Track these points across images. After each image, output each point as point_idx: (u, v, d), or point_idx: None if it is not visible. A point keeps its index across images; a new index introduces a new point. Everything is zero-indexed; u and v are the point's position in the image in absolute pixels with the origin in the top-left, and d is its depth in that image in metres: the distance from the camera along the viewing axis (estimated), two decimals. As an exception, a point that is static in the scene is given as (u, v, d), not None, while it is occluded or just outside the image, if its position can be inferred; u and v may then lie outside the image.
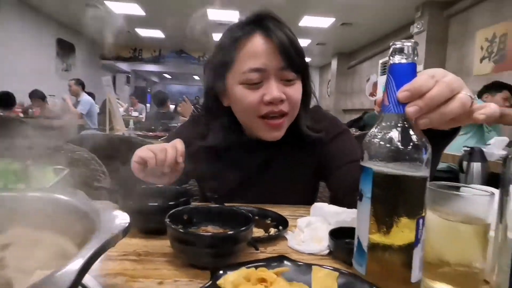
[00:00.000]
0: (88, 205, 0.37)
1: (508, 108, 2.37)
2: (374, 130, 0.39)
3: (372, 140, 0.39)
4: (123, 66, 10.45)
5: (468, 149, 2.01)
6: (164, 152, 0.66)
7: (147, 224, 0.57)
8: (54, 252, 0.36)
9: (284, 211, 0.69)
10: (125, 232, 0.31)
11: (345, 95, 8.42)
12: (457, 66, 4.36)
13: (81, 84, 4.70)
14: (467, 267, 0.40)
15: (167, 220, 0.48)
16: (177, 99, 6.28)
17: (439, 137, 0.48)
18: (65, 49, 7.12)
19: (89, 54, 8.03)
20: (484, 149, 2.00)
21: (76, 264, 0.25)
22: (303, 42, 7.52)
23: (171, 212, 0.51)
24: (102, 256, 0.42)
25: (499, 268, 0.29)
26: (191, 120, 1.02)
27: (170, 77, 15.16)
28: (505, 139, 2.11)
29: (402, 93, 0.37)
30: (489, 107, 0.41)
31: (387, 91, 0.39)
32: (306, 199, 0.85)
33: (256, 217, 0.64)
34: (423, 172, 0.37)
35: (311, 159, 0.85)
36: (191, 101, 3.68)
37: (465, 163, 1.98)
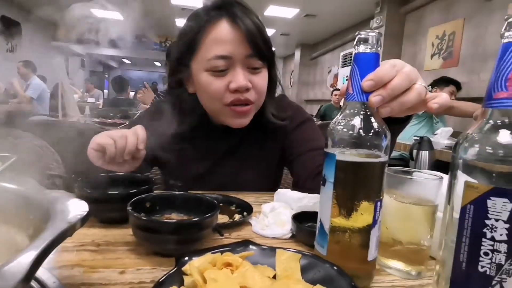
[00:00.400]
0: (41, 194, 0.35)
1: (456, 101, 2.58)
2: (338, 117, 0.41)
3: (336, 127, 0.40)
4: (77, 48, 9.72)
5: (418, 138, 2.17)
6: (124, 139, 0.63)
7: (107, 213, 0.55)
8: (4, 244, 0.33)
9: (248, 197, 0.70)
10: (83, 221, 0.30)
11: (307, 85, 8.60)
12: (410, 61, 4.59)
13: (31, 66, 4.30)
14: (416, 245, 0.43)
15: (129, 208, 0.46)
16: (137, 86, 6.00)
17: (395, 124, 0.51)
18: (9, 27, 6.44)
19: (37, 34, 7.35)
20: (431, 139, 2.17)
21: (28, 256, 0.23)
22: (268, 32, 7.47)
23: (133, 200, 0.49)
24: (57, 248, 0.40)
25: (445, 245, 0.32)
26: (153, 106, 0.98)
27: (129, 62, 14.42)
28: (449, 129, 2.31)
29: (366, 82, 0.38)
30: (441, 97, 0.45)
31: (351, 79, 0.40)
32: (270, 185, 0.87)
33: (221, 204, 0.64)
34: (383, 157, 0.39)
35: (276, 146, 0.86)
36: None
37: (415, 152, 2.13)
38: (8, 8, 6.29)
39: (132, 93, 4.80)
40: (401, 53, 4.87)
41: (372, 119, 0.39)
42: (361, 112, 0.39)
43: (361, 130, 0.38)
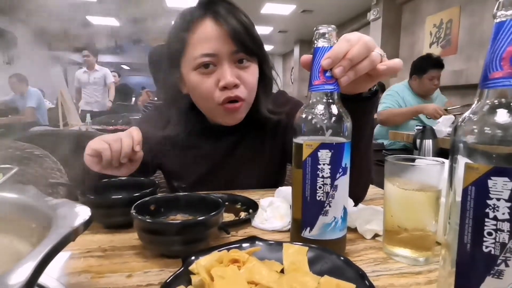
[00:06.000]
0: (42, 201, 0.35)
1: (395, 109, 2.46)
2: (304, 107, 0.44)
3: (303, 116, 0.43)
4: (76, 57, 9.75)
5: (421, 127, 2.15)
6: (119, 142, 0.63)
7: (111, 218, 0.55)
8: (8, 255, 0.33)
9: (253, 195, 0.70)
10: (86, 225, 0.29)
11: (307, 81, 8.57)
12: (409, 51, 4.60)
13: (24, 78, 4.30)
14: (422, 231, 0.43)
15: (133, 211, 0.46)
16: (137, 92, 6.03)
17: (364, 101, 0.56)
18: (4, 39, 6.45)
19: (34, 45, 7.35)
20: (434, 127, 2.15)
21: (30, 263, 0.22)
22: (265, 30, 7.48)
23: (137, 203, 0.49)
24: (64, 256, 0.40)
25: (450, 228, 0.32)
26: (154, 110, 0.98)
27: (128, 68, 14.44)
28: (451, 117, 2.28)
29: (324, 61, 0.42)
30: (393, 61, 0.47)
31: (312, 71, 0.43)
32: (274, 182, 0.87)
33: (226, 203, 0.64)
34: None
35: (277, 142, 0.86)
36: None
37: (418, 141, 2.12)
38: (0, 18, 6.27)
39: (133, 99, 4.82)
40: (399, 44, 4.84)
41: (334, 106, 0.43)
42: (328, 101, 0.43)
43: (322, 117, 0.42)
